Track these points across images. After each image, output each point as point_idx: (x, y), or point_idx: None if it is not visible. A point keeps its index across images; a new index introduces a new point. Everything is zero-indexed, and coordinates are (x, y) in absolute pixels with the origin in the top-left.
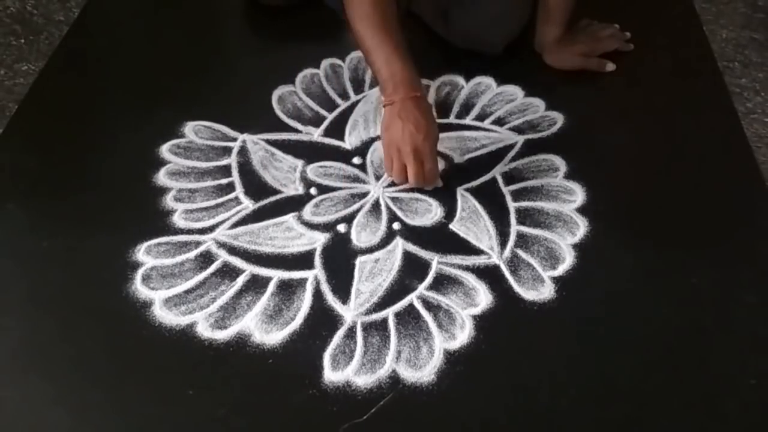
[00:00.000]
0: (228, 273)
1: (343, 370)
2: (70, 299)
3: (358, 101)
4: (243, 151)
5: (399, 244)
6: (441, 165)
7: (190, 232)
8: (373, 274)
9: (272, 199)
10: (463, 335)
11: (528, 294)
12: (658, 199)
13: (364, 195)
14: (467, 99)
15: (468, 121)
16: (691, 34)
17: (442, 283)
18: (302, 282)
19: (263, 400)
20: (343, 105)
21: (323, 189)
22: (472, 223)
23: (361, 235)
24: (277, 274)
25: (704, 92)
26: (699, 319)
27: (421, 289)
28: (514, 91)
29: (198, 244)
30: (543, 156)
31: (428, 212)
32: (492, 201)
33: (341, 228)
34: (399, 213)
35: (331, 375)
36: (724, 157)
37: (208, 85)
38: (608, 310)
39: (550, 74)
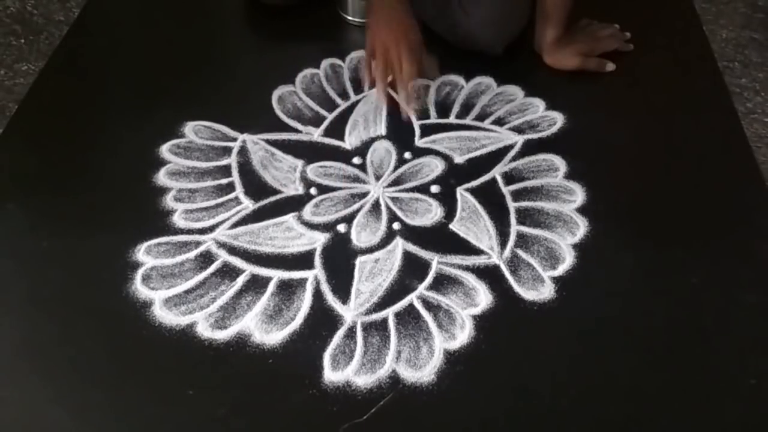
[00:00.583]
0: (228, 273)
1: (343, 370)
2: (70, 299)
3: (358, 101)
4: (243, 151)
5: (399, 244)
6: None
7: (190, 232)
8: (373, 274)
9: (272, 199)
10: (463, 335)
11: (528, 294)
12: (658, 199)
13: (364, 195)
14: (467, 99)
15: (468, 121)
16: (691, 34)
17: (442, 283)
18: (302, 282)
19: (263, 400)
20: (343, 105)
21: (323, 189)
22: (472, 223)
23: (361, 235)
24: (277, 274)
25: (704, 92)
26: (699, 319)
27: (421, 289)
28: (514, 91)
29: (198, 244)
30: (543, 156)
31: (428, 212)
32: (492, 201)
33: (341, 228)
34: (399, 213)
35: (331, 375)
36: (724, 157)
37: (208, 85)
38: (608, 310)
39: (550, 74)
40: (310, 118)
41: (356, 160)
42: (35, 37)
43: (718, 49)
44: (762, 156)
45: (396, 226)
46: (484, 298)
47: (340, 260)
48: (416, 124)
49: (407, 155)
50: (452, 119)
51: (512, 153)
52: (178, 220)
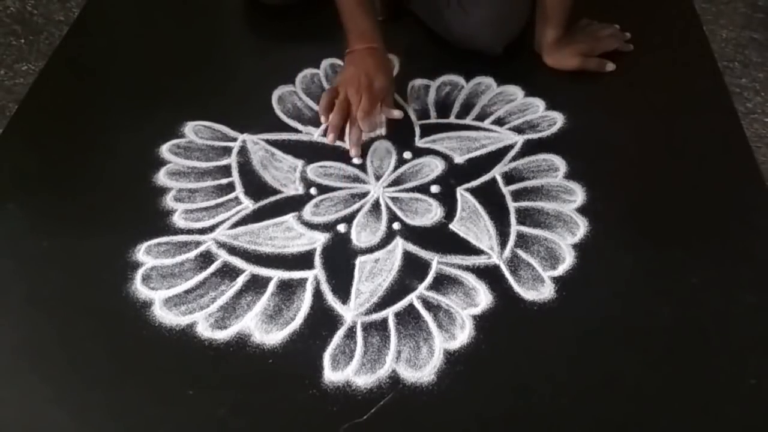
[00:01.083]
0: (228, 273)
1: (343, 370)
2: (70, 299)
3: None
4: (243, 151)
5: (399, 244)
6: (398, 115)
7: (190, 232)
8: (373, 274)
9: (272, 199)
10: (463, 335)
11: (528, 294)
12: (658, 198)
13: (364, 195)
14: (467, 99)
15: (468, 121)
16: (691, 34)
17: (442, 283)
18: (302, 282)
19: (263, 400)
20: None
21: (323, 189)
22: (472, 223)
23: (361, 235)
24: (277, 274)
25: (704, 92)
26: (699, 319)
27: (421, 289)
28: (514, 91)
29: (198, 244)
30: (543, 156)
31: (428, 212)
32: (492, 201)
33: (341, 228)
34: (399, 213)
35: (331, 375)
36: (724, 157)
37: (208, 85)
38: (608, 310)
39: (550, 74)
40: (310, 118)
41: (356, 160)
42: (35, 37)
43: (718, 49)
44: (762, 156)
45: (396, 226)
46: (484, 298)
47: (340, 260)
48: (416, 124)
49: (407, 155)
50: (452, 119)
51: (512, 153)
52: (178, 220)
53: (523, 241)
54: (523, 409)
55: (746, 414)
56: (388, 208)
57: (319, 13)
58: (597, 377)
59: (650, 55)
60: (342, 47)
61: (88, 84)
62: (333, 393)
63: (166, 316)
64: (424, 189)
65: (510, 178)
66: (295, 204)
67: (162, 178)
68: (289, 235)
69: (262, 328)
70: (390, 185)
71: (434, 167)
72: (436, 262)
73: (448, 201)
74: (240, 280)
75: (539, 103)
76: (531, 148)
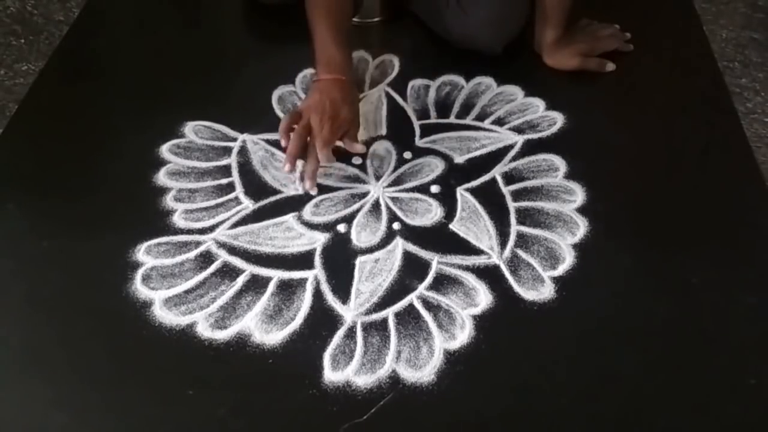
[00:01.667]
0: (228, 273)
1: (343, 370)
2: (70, 299)
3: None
4: (243, 151)
5: (399, 244)
6: (360, 149)
7: (190, 232)
8: (373, 274)
9: (272, 199)
10: (463, 335)
11: (528, 294)
12: (658, 198)
13: (364, 195)
14: (467, 99)
15: (468, 121)
16: (691, 34)
17: (442, 283)
18: (302, 282)
19: (263, 400)
20: None
21: (323, 189)
22: (472, 223)
23: (361, 235)
24: (277, 274)
25: (704, 92)
26: (699, 319)
27: (421, 289)
28: (514, 91)
29: (198, 244)
30: (543, 156)
31: (428, 212)
32: (492, 201)
33: (341, 228)
34: (399, 213)
35: (331, 375)
36: (724, 157)
37: (208, 85)
38: (608, 310)
39: (550, 74)
40: None
41: (356, 160)
42: (35, 37)
43: (718, 49)
44: (762, 156)
45: (396, 226)
46: (484, 298)
47: (340, 260)
48: (416, 124)
49: (407, 155)
50: (452, 119)
51: (512, 153)
52: (178, 220)
53: (523, 241)
54: (523, 409)
55: (746, 414)
56: (388, 208)
57: None
58: (597, 377)
59: (650, 55)
60: None
61: (88, 84)
62: (333, 393)
63: (166, 316)
64: (424, 189)
65: (510, 178)
66: (295, 204)
67: (162, 178)
68: (289, 235)
69: (262, 328)
70: (390, 185)
71: (434, 167)
72: (436, 262)
73: (448, 201)
74: (240, 280)
75: (539, 103)
76: (531, 148)
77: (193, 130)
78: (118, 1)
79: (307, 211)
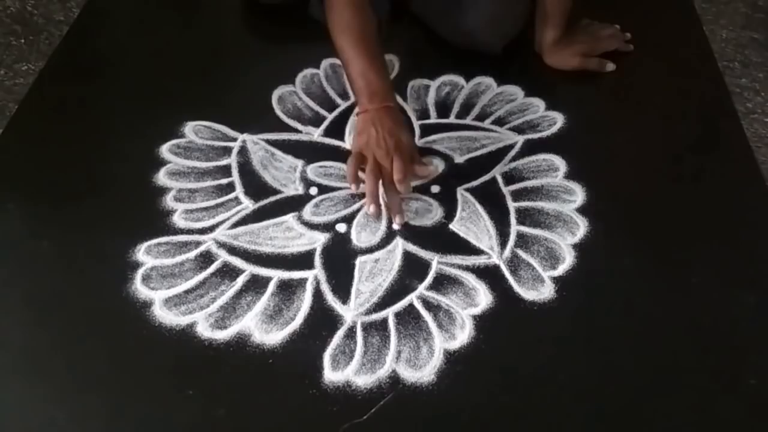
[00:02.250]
0: (228, 273)
1: (343, 370)
2: (70, 299)
3: None
4: (243, 151)
5: (399, 244)
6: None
7: (190, 232)
8: (373, 274)
9: (272, 199)
10: (463, 335)
11: (528, 294)
12: (658, 198)
13: (363, 195)
14: (467, 99)
15: (468, 121)
16: (691, 34)
17: (442, 283)
18: (302, 282)
19: (263, 400)
20: (343, 105)
21: (323, 189)
22: (472, 223)
23: (361, 235)
24: (277, 274)
25: (704, 92)
26: (699, 319)
27: (421, 289)
28: (514, 91)
29: (198, 244)
30: (543, 156)
31: (428, 212)
32: (492, 201)
33: (341, 228)
34: None
35: (331, 375)
36: (724, 157)
37: (208, 85)
38: (608, 310)
39: (550, 74)
40: (310, 118)
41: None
42: (35, 37)
43: (718, 49)
44: (762, 156)
45: (396, 226)
46: (484, 298)
47: (340, 260)
48: (416, 124)
49: None
50: (452, 119)
51: (512, 153)
52: (178, 220)
53: (523, 241)
54: (523, 409)
55: (746, 414)
56: (389, 207)
57: None
58: (597, 377)
59: (650, 55)
60: None
61: (88, 84)
62: (333, 393)
63: (166, 316)
64: (424, 189)
65: (510, 178)
66: (295, 204)
67: (162, 178)
68: (289, 235)
69: (262, 328)
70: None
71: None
72: (436, 262)
73: (448, 201)
74: (240, 280)
75: (539, 103)
76: (531, 148)
77: (193, 130)
78: (118, 1)
79: (307, 211)
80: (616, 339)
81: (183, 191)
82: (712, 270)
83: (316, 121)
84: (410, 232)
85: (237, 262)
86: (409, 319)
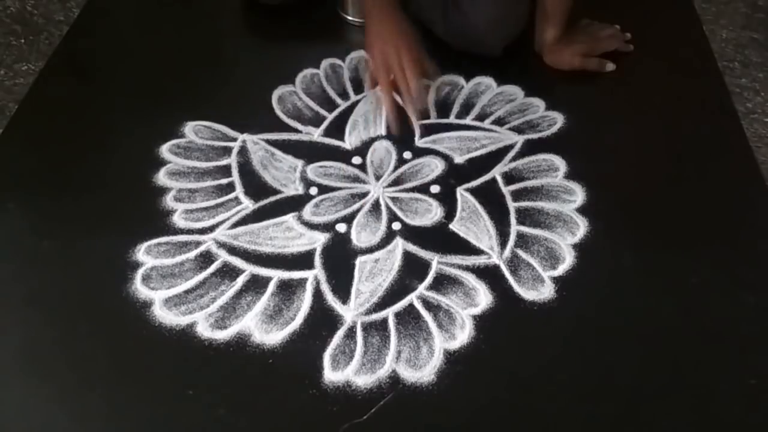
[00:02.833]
0: (228, 273)
1: (343, 370)
2: (70, 299)
3: (358, 101)
4: (243, 151)
5: (399, 244)
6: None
7: (190, 232)
8: (373, 274)
9: (272, 199)
10: (463, 335)
11: (528, 294)
12: (658, 199)
13: (364, 195)
14: (467, 99)
15: (468, 121)
16: (691, 34)
17: (442, 283)
18: (302, 282)
19: (263, 400)
20: (343, 105)
21: (323, 189)
22: (472, 223)
23: (361, 235)
24: (277, 274)
25: (704, 92)
26: (699, 319)
27: (421, 289)
28: (514, 91)
29: (198, 244)
30: (543, 156)
31: (428, 212)
32: (492, 201)
33: (341, 228)
34: (399, 213)
35: (331, 375)
36: (724, 157)
37: (208, 85)
38: (608, 309)
39: (550, 74)
40: (310, 118)
41: (356, 160)
42: (35, 37)
43: (718, 49)
44: (762, 156)
45: (396, 226)
46: (484, 298)
47: (340, 260)
48: (416, 124)
49: (407, 155)
50: (452, 119)
51: (512, 153)
52: (178, 220)
53: (523, 241)
54: (523, 409)
55: (746, 414)
56: (388, 208)
57: (319, 13)
58: (597, 377)
59: (650, 55)
60: (342, 47)
61: (88, 84)
62: (333, 393)
63: (166, 316)
64: (424, 189)
65: (510, 178)
66: (295, 204)
67: (162, 178)
68: (289, 235)
69: (262, 328)
70: (390, 185)
71: (434, 167)
72: (436, 262)
73: (448, 201)
74: (240, 280)
75: (539, 103)
76: (531, 148)
77: (193, 130)
78: (118, 1)
79: (307, 211)
80: (616, 339)
81: (183, 191)
82: (712, 270)
83: (316, 121)
84: (410, 232)
85: (237, 262)
86: (409, 319)
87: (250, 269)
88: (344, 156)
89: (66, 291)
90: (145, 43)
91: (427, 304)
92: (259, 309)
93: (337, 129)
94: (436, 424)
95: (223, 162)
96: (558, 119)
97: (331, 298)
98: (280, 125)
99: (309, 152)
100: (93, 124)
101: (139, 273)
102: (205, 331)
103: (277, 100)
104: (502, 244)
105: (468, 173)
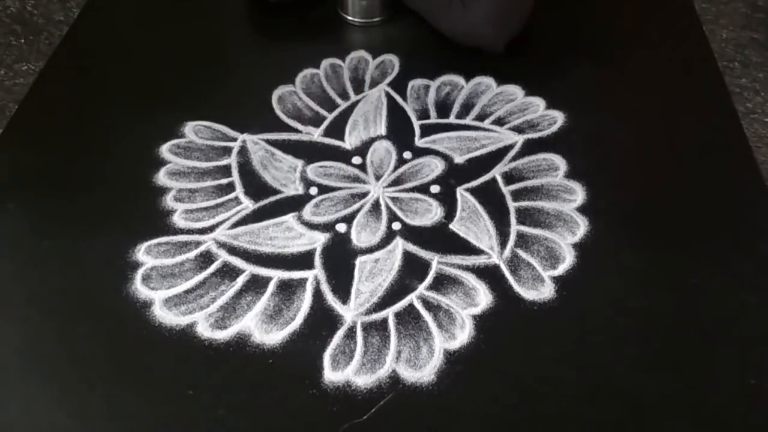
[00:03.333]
0: (228, 273)
1: (343, 370)
2: (69, 299)
3: (358, 101)
4: (243, 151)
5: (399, 244)
6: None
7: (190, 232)
8: (373, 274)
9: (272, 199)
10: (463, 335)
11: (528, 294)
12: (658, 198)
13: (364, 195)
14: (467, 99)
15: (468, 121)
16: (691, 34)
17: (442, 283)
18: (302, 282)
19: (263, 400)
20: (343, 105)
21: (323, 189)
22: (472, 223)
23: (361, 235)
24: (277, 274)
25: (704, 92)
26: (699, 319)
27: (421, 289)
28: (514, 90)
29: (198, 244)
30: (543, 155)
31: (428, 212)
32: (492, 201)
33: (341, 228)
34: (399, 213)
35: (331, 375)
36: (724, 157)
37: (208, 85)
38: (608, 309)
39: (551, 73)
40: (310, 118)
41: (356, 160)
42: (35, 37)
43: (718, 49)
44: (762, 156)
45: (396, 226)
46: (484, 298)
47: (340, 260)
48: (416, 124)
49: (407, 155)
50: (452, 119)
51: (512, 153)
52: (178, 220)
53: (523, 240)
54: (523, 409)
55: (746, 414)
56: (388, 208)
57: (319, 13)
58: (597, 377)
59: (650, 54)
60: (342, 47)
61: (88, 84)
62: (333, 393)
63: (166, 316)
64: (424, 189)
65: (510, 177)
66: (295, 204)
67: (162, 178)
68: (289, 235)
69: (262, 328)
70: (390, 185)
71: (434, 167)
72: (436, 262)
73: (448, 201)
74: (240, 280)
75: (539, 102)
76: (531, 147)
77: (193, 130)
78: (118, 1)
79: (307, 211)
80: (616, 338)
81: (183, 191)
82: (712, 270)
83: (316, 121)
84: (410, 232)
85: (237, 262)
86: (409, 319)
87: (250, 269)
88: (344, 156)
89: (66, 291)
90: (145, 43)
91: (427, 304)
92: (259, 309)
93: (337, 129)
94: (436, 424)
95: (223, 162)
96: (558, 118)
97: (331, 298)
98: (280, 125)
99: (309, 152)
100: (93, 124)
101: (139, 273)
102: (205, 331)
103: (277, 100)
104: (502, 243)
105: (468, 173)
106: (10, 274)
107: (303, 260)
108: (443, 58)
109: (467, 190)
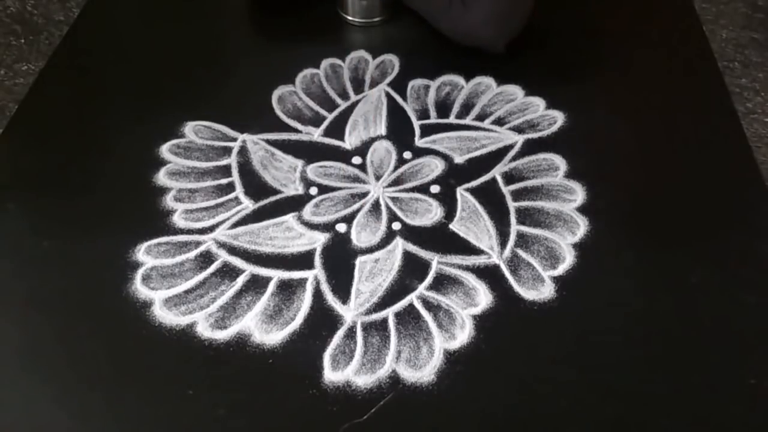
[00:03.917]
0: (228, 273)
1: (343, 370)
2: (70, 299)
3: (358, 101)
4: (243, 151)
5: (399, 244)
6: None
7: (190, 232)
8: (373, 274)
9: (272, 199)
10: (463, 335)
11: (528, 294)
12: (658, 198)
13: (364, 195)
14: (467, 99)
15: (468, 121)
16: (691, 34)
17: (442, 283)
18: (302, 282)
19: (263, 400)
20: (343, 105)
21: (323, 189)
22: (472, 223)
23: (361, 235)
24: (277, 274)
25: (704, 92)
26: (699, 319)
27: (421, 289)
28: (514, 90)
29: (198, 244)
30: (543, 155)
31: (428, 212)
32: (492, 201)
33: (341, 228)
34: (399, 213)
35: (331, 375)
36: (724, 157)
37: (208, 85)
38: (608, 309)
39: (551, 73)
40: (310, 118)
41: (356, 160)
42: (35, 37)
43: (718, 49)
44: (762, 156)
45: (396, 226)
46: (484, 298)
47: (340, 260)
48: (416, 124)
49: (407, 155)
50: (452, 119)
51: (512, 153)
52: (178, 220)
53: (523, 240)
54: (524, 409)
55: (746, 414)
56: (388, 208)
57: (319, 13)
58: (597, 377)
59: (650, 54)
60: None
61: (88, 84)
62: (333, 393)
63: (166, 316)
64: (424, 189)
65: (510, 177)
66: (295, 204)
67: (162, 178)
68: (289, 235)
69: (262, 328)
70: (390, 185)
71: (434, 167)
72: (436, 262)
73: (448, 201)
74: (240, 280)
75: (539, 102)
76: (531, 147)
77: (193, 130)
78: (118, 1)
79: (307, 211)
80: (616, 338)
81: (183, 191)
82: (712, 270)
83: (316, 121)
84: (410, 232)
85: (237, 262)
86: (409, 319)
87: (250, 269)
88: (344, 156)
89: (66, 291)
90: (145, 43)
91: (427, 304)
92: (259, 309)
93: (337, 129)
94: (436, 424)
95: (223, 162)
96: (558, 118)
97: (331, 298)
98: (280, 125)
99: (309, 152)
100: (93, 124)
101: (139, 273)
102: (205, 331)
103: (277, 100)
104: (502, 243)
105: (468, 173)
106: (10, 274)
107: (303, 260)
108: (443, 58)
109: (467, 190)
